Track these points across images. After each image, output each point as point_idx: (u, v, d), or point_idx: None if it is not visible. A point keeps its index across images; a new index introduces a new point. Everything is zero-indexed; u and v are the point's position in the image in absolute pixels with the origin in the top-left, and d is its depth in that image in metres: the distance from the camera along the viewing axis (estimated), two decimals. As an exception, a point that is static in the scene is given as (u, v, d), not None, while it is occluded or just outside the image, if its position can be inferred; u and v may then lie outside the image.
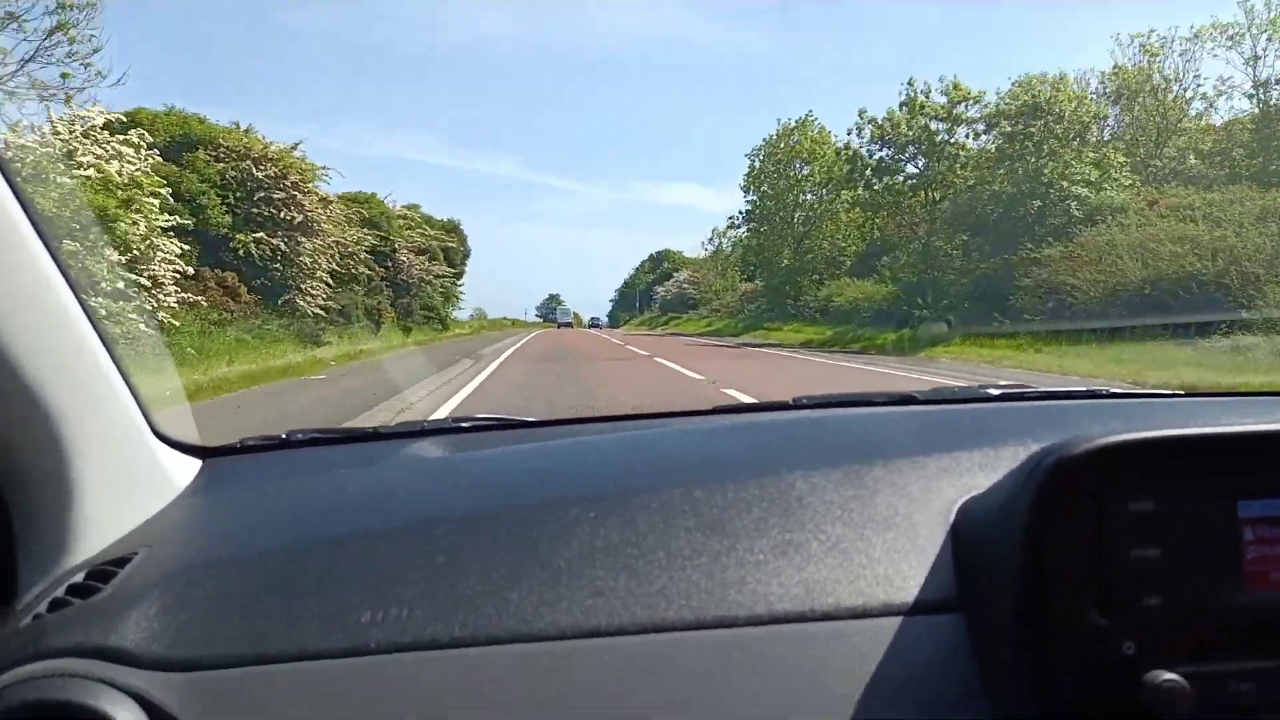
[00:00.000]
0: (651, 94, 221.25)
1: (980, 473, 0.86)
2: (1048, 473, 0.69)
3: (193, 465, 1.11)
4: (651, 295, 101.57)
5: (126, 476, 0.93)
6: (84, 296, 0.79)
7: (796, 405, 1.50)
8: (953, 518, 0.81)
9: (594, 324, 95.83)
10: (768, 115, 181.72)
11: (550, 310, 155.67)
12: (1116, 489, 0.70)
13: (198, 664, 0.68)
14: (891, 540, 0.79)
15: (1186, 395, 1.56)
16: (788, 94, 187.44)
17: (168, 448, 1.04)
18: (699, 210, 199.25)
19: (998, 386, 1.55)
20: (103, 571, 0.80)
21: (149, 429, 0.97)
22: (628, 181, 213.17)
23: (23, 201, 0.70)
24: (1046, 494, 0.69)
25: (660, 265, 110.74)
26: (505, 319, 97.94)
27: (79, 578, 0.79)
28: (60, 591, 0.77)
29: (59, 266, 0.75)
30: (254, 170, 18.45)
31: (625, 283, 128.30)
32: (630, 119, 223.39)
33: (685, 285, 67.17)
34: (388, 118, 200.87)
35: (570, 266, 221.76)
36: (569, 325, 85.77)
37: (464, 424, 1.38)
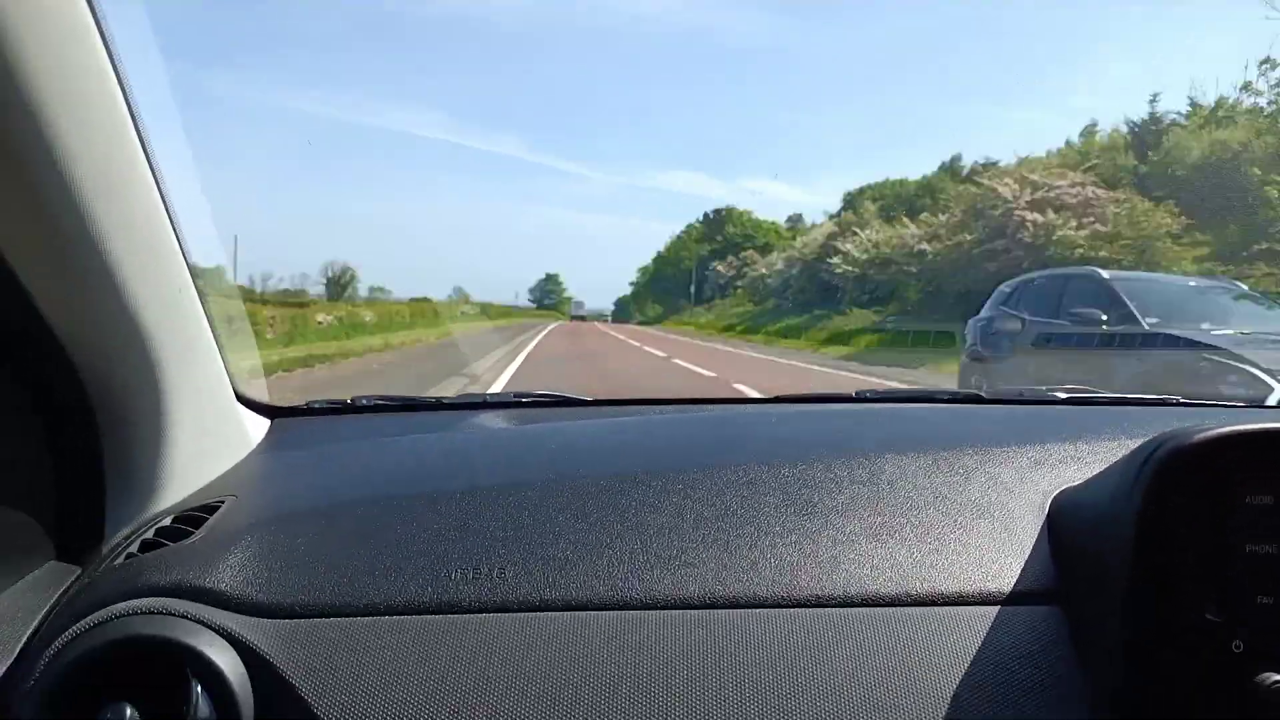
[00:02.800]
0: (658, 78, 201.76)
1: (1074, 465, 0.85)
2: (1163, 462, 0.67)
3: (264, 424, 1.13)
4: (705, 275, 68.31)
5: (210, 429, 0.94)
6: (186, 246, 0.78)
7: (860, 398, 1.48)
8: (1048, 508, 0.79)
9: (578, 316, 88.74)
10: (775, 103, 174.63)
11: (546, 295, 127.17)
12: (1233, 481, 0.68)
13: (290, 611, 0.69)
14: (987, 528, 0.77)
15: (1263, 406, 1.52)
16: (791, 86, 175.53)
17: (244, 406, 1.06)
18: (704, 199, 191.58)
19: (1064, 389, 1.50)
20: (192, 517, 0.81)
21: (230, 386, 0.98)
22: (632, 166, 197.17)
23: (151, 164, 0.70)
24: (1161, 484, 0.66)
25: (723, 229, 78.47)
26: (485, 306, 64.64)
27: (167, 521, 0.80)
28: (150, 534, 0.78)
29: (170, 217, 0.75)
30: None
31: (659, 258, 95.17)
32: (635, 102, 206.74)
33: (840, 251, 32.73)
34: (394, 89, 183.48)
35: (570, 251, 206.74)
36: (582, 318, 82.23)
37: (525, 399, 1.37)
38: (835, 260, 32.46)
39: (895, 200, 37.84)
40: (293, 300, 32.10)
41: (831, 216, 62.52)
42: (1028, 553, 0.75)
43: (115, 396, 0.77)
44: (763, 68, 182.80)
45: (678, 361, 15.53)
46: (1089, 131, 25.69)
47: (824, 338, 26.84)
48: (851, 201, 64.24)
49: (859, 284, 30.69)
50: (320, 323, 24.09)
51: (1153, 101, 28.34)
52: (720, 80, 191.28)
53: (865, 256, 30.67)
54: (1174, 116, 22.47)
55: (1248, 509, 0.67)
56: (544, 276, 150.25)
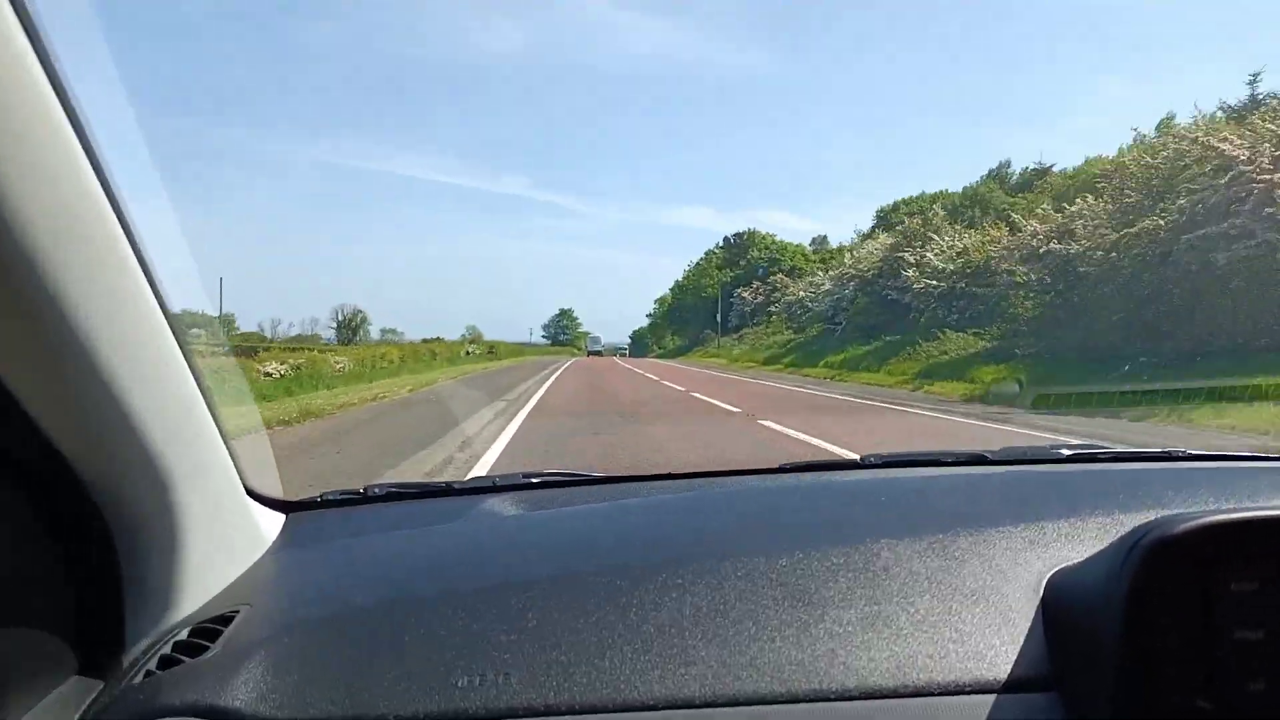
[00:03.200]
0: (659, 115, 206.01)
1: (1067, 544, 0.86)
2: (1147, 552, 0.68)
3: (278, 520, 1.13)
4: (730, 303, 62.96)
5: (224, 532, 0.95)
6: (190, 348, 0.79)
7: (865, 464, 1.50)
8: (1042, 591, 0.80)
9: (594, 352, 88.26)
10: (776, 138, 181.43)
11: (561, 330, 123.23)
12: (1218, 568, 0.69)
13: None
14: (981, 614, 0.77)
15: (1267, 459, 1.47)
16: (795, 117, 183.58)
17: (257, 503, 1.06)
18: (708, 232, 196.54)
19: (1069, 447, 1.54)
20: (207, 629, 0.83)
21: (242, 486, 0.99)
22: (634, 202, 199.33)
23: (137, 250, 0.69)
24: (1146, 574, 0.68)
25: (746, 253, 73.15)
26: (493, 345, 59.71)
27: (184, 634, 0.83)
28: (168, 648, 0.81)
29: (170, 322, 0.75)
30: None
31: (678, 288, 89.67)
32: (638, 140, 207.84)
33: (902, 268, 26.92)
34: (396, 135, 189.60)
35: (581, 288, 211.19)
36: (598, 354, 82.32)
37: (534, 479, 1.39)
38: (910, 274, 26.60)
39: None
40: (244, 345, 26.94)
41: (865, 235, 57.53)
42: (1022, 639, 0.75)
43: (127, 510, 0.78)
44: (760, 102, 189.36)
45: (770, 425, 9.58)
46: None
47: (919, 370, 20.80)
48: (886, 217, 59.22)
49: (944, 301, 24.80)
50: (267, 374, 18.39)
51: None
52: (719, 116, 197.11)
53: (952, 267, 24.78)
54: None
55: (1234, 596, 0.68)
56: (557, 312, 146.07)
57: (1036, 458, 1.51)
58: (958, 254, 25.08)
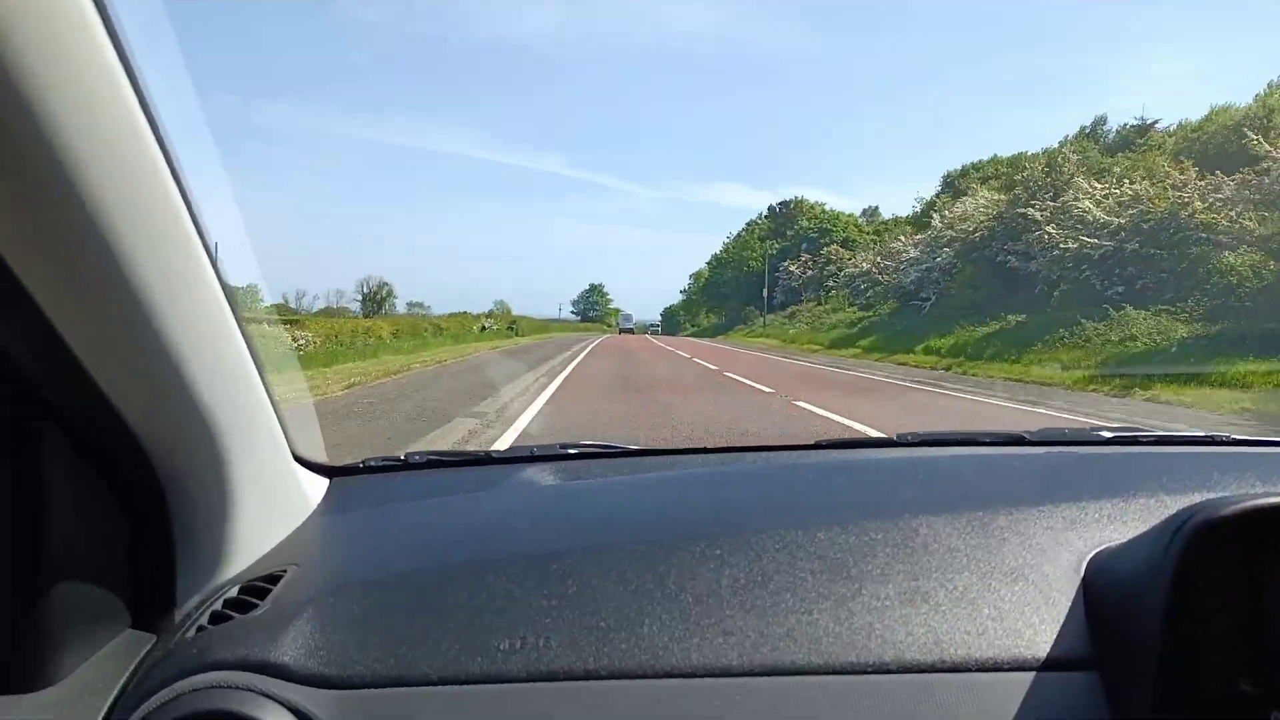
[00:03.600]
0: (696, 92, 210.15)
1: (1110, 525, 0.84)
2: (1192, 535, 0.67)
3: (322, 484, 1.16)
4: (777, 278, 56.85)
5: (271, 494, 0.97)
6: (242, 316, 0.81)
7: (901, 442, 1.48)
8: (1083, 571, 0.79)
9: (626, 329, 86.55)
10: (814, 115, 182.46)
11: (591, 306, 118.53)
12: (1266, 552, 0.68)
13: (349, 682, 0.72)
14: (1021, 592, 0.77)
15: None
16: (834, 94, 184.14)
17: (302, 468, 1.08)
18: (743, 209, 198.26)
19: (1110, 429, 1.50)
20: (256, 588, 0.85)
21: (289, 450, 1.01)
22: (669, 180, 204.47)
23: (196, 220, 0.71)
24: (1191, 557, 0.67)
25: (792, 224, 66.85)
26: (515, 321, 54.22)
27: (233, 592, 0.84)
28: (218, 605, 0.83)
29: (224, 286, 0.77)
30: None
31: (716, 261, 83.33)
32: (675, 117, 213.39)
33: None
34: (435, 112, 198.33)
35: (613, 264, 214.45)
36: (630, 331, 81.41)
37: (571, 450, 1.39)
38: (1050, 231, 20.13)
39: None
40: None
41: (928, 203, 51.03)
42: (1063, 618, 0.75)
43: (181, 470, 0.80)
44: (800, 78, 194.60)
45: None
46: None
47: (1098, 363, 14.47)
48: (953, 183, 52.50)
49: (1101, 267, 18.37)
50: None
51: None
52: (758, 92, 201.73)
53: (1121, 221, 18.30)
54: None
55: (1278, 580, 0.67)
56: (587, 288, 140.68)
57: (1077, 439, 1.49)
58: (1127, 202, 18.53)
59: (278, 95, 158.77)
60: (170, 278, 0.68)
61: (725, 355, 25.51)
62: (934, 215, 31.80)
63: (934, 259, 28.86)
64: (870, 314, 35.03)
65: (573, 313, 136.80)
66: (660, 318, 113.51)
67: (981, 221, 26.00)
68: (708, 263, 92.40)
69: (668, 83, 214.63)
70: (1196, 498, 0.79)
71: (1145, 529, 0.77)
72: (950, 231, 28.30)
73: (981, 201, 28.00)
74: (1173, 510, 0.74)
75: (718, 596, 0.76)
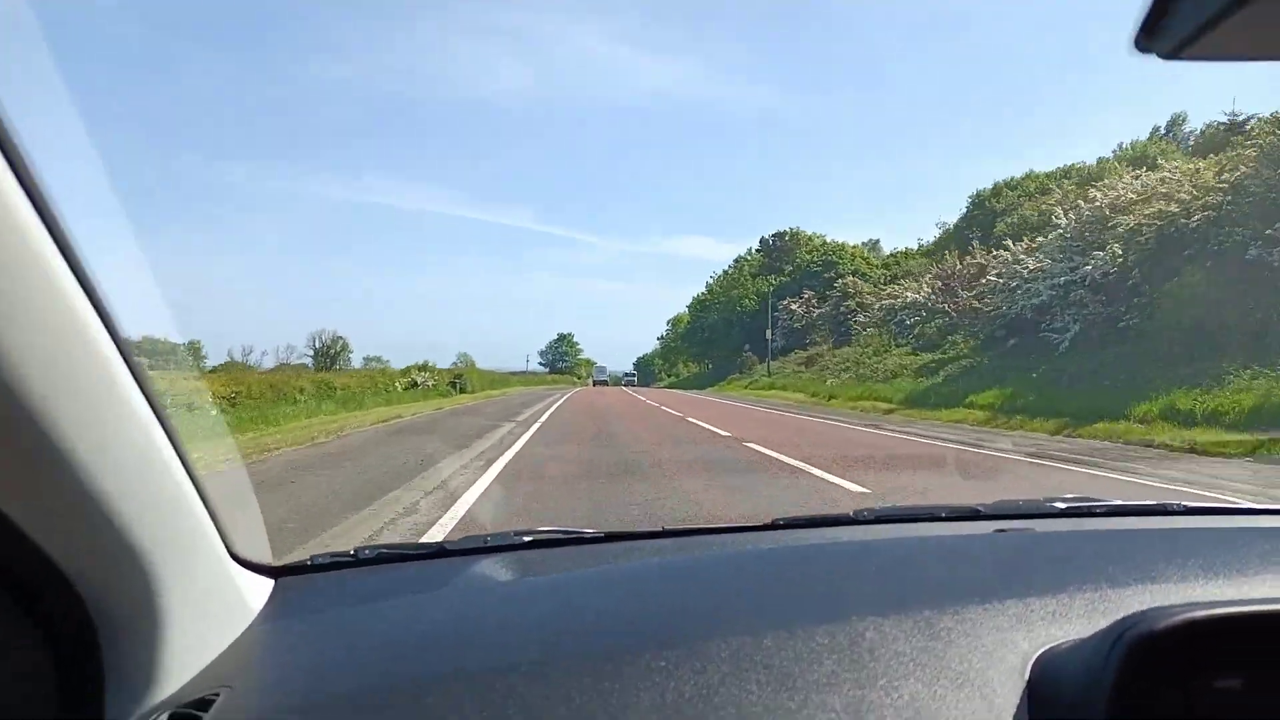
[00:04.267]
0: (662, 148, 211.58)
1: (1055, 623, 0.85)
2: (1131, 646, 0.69)
3: (266, 585, 1.12)
4: (777, 318, 47.51)
5: (207, 605, 0.93)
6: (164, 414, 0.77)
7: (858, 519, 1.51)
8: (1028, 674, 0.78)
9: (600, 382, 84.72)
10: (780, 168, 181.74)
11: (560, 357, 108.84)
12: (1202, 662, 0.70)
13: None
14: (965, 700, 0.76)
15: (1259, 510, 1.48)
16: (799, 149, 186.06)
17: (243, 569, 1.04)
18: (705, 261, 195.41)
19: (1064, 500, 1.55)
20: (186, 715, 0.80)
21: (227, 552, 0.97)
22: (637, 233, 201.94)
23: (112, 331, 0.68)
24: (1130, 666, 0.69)
25: (789, 257, 58.18)
26: (455, 374, 43.56)
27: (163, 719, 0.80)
28: None
29: (142, 386, 0.73)
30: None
31: (698, 304, 73.88)
32: (642, 173, 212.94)
33: None
34: (406, 171, 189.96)
35: (582, 316, 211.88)
36: (604, 383, 79.35)
37: (526, 538, 1.41)
38: None
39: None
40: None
41: (949, 231, 42.67)
42: None
43: (108, 592, 0.75)
44: (765, 136, 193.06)
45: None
46: None
47: None
48: (984, 203, 44.15)
49: None
50: None
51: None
52: (724, 149, 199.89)
53: None
54: None
55: (1218, 692, 0.69)
56: (556, 338, 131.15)
57: (1030, 512, 1.51)
58: None
59: (243, 155, 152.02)
60: (74, 386, 0.63)
61: (739, 416, 15.49)
62: (1060, 212, 21.94)
63: (1083, 265, 18.99)
64: (943, 354, 25.33)
65: (541, 364, 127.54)
66: (634, 369, 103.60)
67: (1198, 197, 16.29)
68: (688, 306, 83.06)
69: (635, 139, 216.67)
70: (1140, 590, 0.88)
71: (1090, 627, 0.79)
72: (1124, 219, 18.37)
73: (1118, 190, 18.41)
74: (1117, 605, 0.81)
75: (661, 714, 0.74)
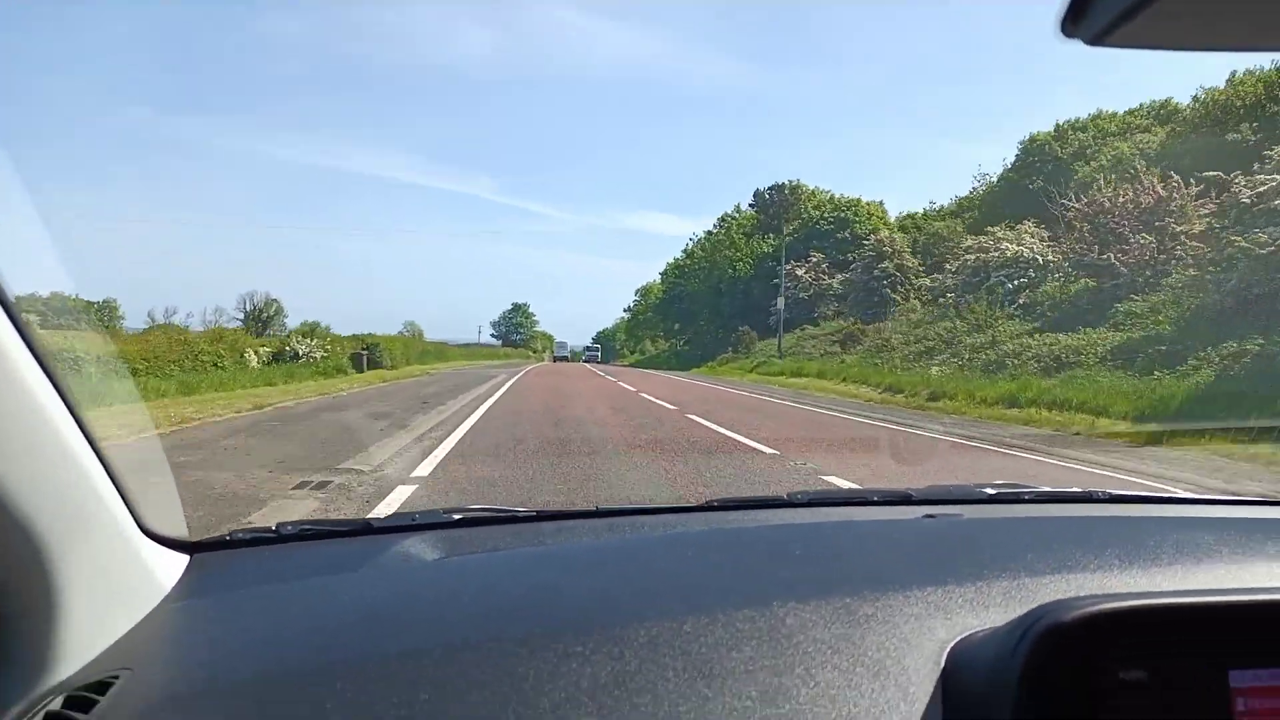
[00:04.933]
0: (625, 121, 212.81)
1: (972, 611, 0.86)
2: (1039, 638, 0.70)
3: (180, 561, 1.08)
4: (775, 285, 37.26)
5: (111, 581, 0.90)
6: (63, 385, 0.75)
7: (791, 502, 1.52)
8: (943, 662, 0.79)
9: (561, 357, 79.61)
10: (740, 144, 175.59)
11: (514, 329, 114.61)
12: (1107, 654, 0.71)
13: None
14: (881, 689, 0.75)
15: (1179, 500, 1.51)
16: (762, 126, 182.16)
17: (156, 544, 1.01)
18: (665, 237, 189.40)
19: (994, 485, 1.56)
20: (82, 698, 0.77)
21: (137, 527, 0.94)
22: (597, 207, 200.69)
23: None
24: (1038, 658, 0.70)
25: (792, 212, 48.50)
26: (365, 344, 30.77)
27: (57, 703, 0.77)
28: (39, 719, 0.76)
29: (39, 358, 0.72)
30: None
31: (673, 271, 63.85)
32: (603, 145, 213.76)
33: None
34: (363, 133, 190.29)
35: (539, 289, 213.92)
36: (565, 359, 77.52)
37: (456, 515, 1.37)
38: None
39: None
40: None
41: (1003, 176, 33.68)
42: (919, 716, 0.74)
43: (1, 569, 0.74)
44: (731, 111, 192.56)
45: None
46: None
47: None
48: (1043, 147, 35.27)
49: None
50: None
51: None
52: (689, 124, 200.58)
53: None
54: None
55: (1121, 683, 0.70)
56: (510, 308, 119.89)
57: (960, 498, 1.51)
58: None
59: (195, 110, 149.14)
60: None
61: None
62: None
63: None
64: (1124, 330, 15.68)
65: (493, 336, 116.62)
66: (594, 343, 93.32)
67: None
68: (661, 274, 73.08)
69: (597, 110, 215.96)
70: (1056, 580, 0.89)
71: (1006, 615, 0.79)
72: None
73: None
74: (1033, 593, 0.83)
75: (575, 701, 0.73)
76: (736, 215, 56.92)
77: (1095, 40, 0.46)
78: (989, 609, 0.86)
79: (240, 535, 1.26)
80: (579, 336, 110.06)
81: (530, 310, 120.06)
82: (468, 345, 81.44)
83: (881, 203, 48.55)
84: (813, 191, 52.88)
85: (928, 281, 30.98)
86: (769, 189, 53.91)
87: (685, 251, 61.95)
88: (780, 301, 35.98)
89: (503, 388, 18.49)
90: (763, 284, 46.11)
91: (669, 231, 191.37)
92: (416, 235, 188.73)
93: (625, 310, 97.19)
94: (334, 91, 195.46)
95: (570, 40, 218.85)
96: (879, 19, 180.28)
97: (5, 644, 0.76)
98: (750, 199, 55.24)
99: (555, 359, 76.13)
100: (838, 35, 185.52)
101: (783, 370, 29.61)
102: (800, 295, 42.53)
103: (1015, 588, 0.89)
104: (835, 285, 42.42)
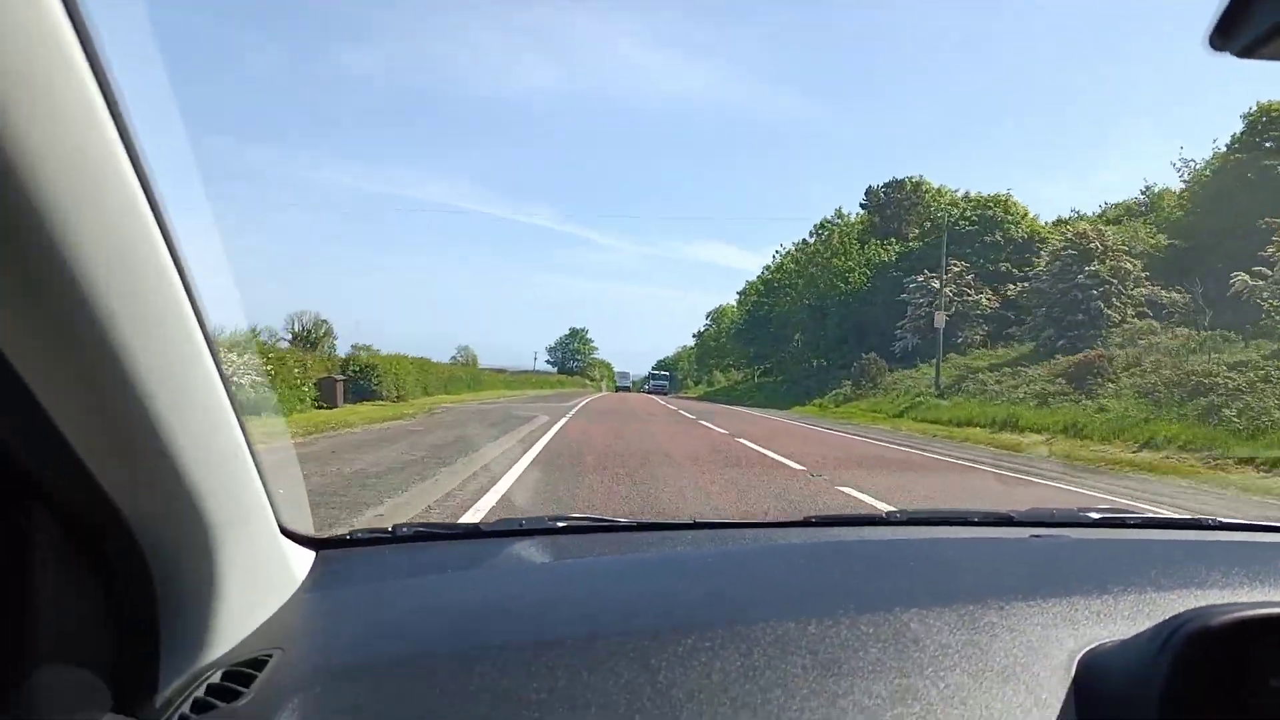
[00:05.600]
0: (686, 153, 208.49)
1: (1100, 622, 0.85)
2: (1185, 642, 0.69)
3: (308, 557, 1.15)
4: (903, 301, 26.49)
5: (258, 571, 0.95)
6: (233, 390, 0.80)
7: (890, 520, 1.52)
8: (1074, 670, 0.78)
9: (623, 388, 76.03)
10: (799, 177, 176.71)
11: (571, 355, 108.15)
12: (1255, 660, 0.69)
13: None
14: (1011, 693, 0.75)
15: None
16: (819, 158, 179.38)
17: (289, 540, 1.08)
18: (724, 269, 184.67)
19: (1098, 510, 1.53)
20: (240, 673, 0.82)
21: (276, 523, 1.00)
22: (657, 238, 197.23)
23: (190, 291, 0.70)
24: (1183, 663, 0.68)
25: (913, 214, 38.84)
26: (345, 363, 20.21)
27: (216, 677, 0.82)
28: (201, 691, 0.80)
29: (217, 363, 0.76)
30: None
31: (753, 292, 54.32)
32: (663, 177, 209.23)
33: None
34: (431, 165, 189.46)
35: (598, 317, 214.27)
36: (627, 389, 73.79)
37: (560, 523, 1.42)
38: None
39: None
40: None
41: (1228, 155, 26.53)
42: None
43: (167, 548, 0.77)
44: (789, 144, 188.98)
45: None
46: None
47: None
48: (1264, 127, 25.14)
49: None
50: None
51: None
52: (747, 156, 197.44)
53: None
54: None
55: (1271, 691, 0.68)
56: (567, 332, 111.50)
57: (1064, 521, 1.50)
58: None
59: (264, 139, 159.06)
60: (163, 356, 0.66)
61: None
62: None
63: None
64: None
65: (549, 363, 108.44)
66: (662, 370, 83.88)
67: None
68: (740, 293, 63.48)
69: (658, 141, 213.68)
70: (1184, 594, 0.86)
71: (1135, 628, 0.78)
72: None
73: None
74: (1162, 608, 0.80)
75: (708, 692, 0.74)
76: (839, 222, 47.02)
77: (1245, 53, 0.45)
78: (1117, 621, 0.84)
79: (360, 535, 1.32)
80: (637, 367, 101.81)
81: (587, 336, 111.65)
82: (523, 372, 73.42)
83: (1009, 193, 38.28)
84: (938, 189, 42.77)
85: (1167, 295, 20.86)
86: (884, 186, 44.00)
87: (773, 265, 52.18)
88: (940, 318, 25.89)
89: (556, 425, 9.31)
90: (883, 300, 36.10)
91: (728, 263, 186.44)
92: (473, 262, 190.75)
93: (694, 335, 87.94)
94: (399, 123, 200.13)
95: (632, 74, 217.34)
96: (931, 54, 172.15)
97: (172, 620, 0.80)
98: (863, 198, 45.40)
99: (618, 389, 72.30)
100: (894, 70, 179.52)
101: (954, 416, 19.64)
102: (957, 311, 32.59)
103: (1143, 602, 0.87)
104: (984, 301, 32.37)
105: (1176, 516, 1.56)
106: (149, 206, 0.61)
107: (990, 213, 35.52)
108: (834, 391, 33.40)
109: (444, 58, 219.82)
